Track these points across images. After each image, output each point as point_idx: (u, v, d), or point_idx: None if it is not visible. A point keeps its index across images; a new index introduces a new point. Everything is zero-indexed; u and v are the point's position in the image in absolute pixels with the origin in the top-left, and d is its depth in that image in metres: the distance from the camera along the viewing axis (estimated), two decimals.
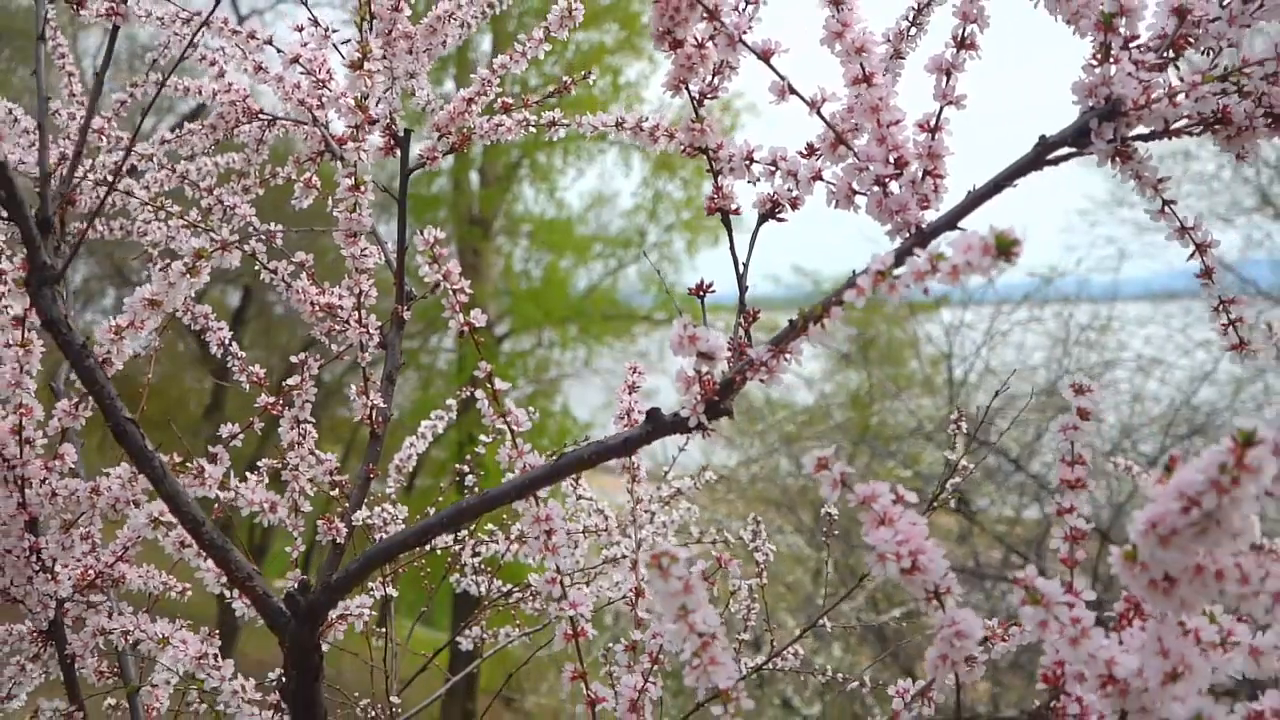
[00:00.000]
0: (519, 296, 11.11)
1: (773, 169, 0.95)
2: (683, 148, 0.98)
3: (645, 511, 1.82)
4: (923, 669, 0.90)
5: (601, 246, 11.45)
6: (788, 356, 0.85)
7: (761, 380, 0.89)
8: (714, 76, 0.96)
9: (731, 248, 0.99)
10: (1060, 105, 0.86)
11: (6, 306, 1.21)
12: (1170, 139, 0.84)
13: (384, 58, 1.38)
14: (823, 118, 0.90)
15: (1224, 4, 0.83)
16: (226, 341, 1.51)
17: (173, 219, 1.62)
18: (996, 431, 5.36)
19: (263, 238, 1.42)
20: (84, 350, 1.04)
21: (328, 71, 1.46)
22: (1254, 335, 0.93)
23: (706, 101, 0.98)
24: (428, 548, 1.92)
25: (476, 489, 2.12)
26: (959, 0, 0.89)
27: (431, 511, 1.71)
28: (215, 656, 1.17)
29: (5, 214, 1.02)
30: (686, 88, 0.93)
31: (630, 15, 10.50)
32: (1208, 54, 0.85)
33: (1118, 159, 0.84)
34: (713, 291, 1.02)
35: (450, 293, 1.03)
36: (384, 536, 1.58)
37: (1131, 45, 0.83)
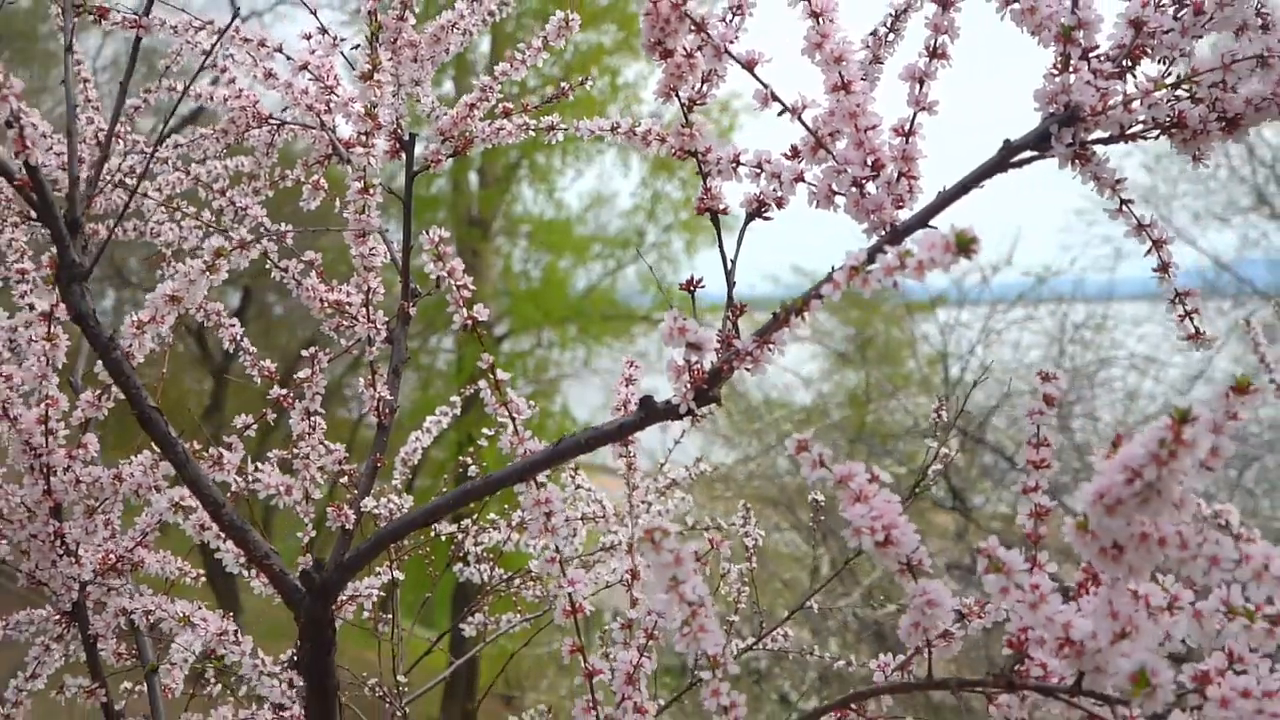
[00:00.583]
0: (518, 297, 11.14)
1: (758, 171, 1.01)
2: (673, 151, 1.04)
3: (642, 501, 1.88)
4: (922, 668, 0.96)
5: (600, 247, 11.49)
6: (771, 346, 0.92)
7: (748, 369, 0.95)
8: (703, 84, 1.02)
9: (720, 245, 1.04)
10: (1026, 113, 0.92)
11: (32, 304, 1.27)
12: (1126, 143, 0.90)
13: (391, 66, 1.44)
14: (804, 123, 0.95)
15: (1177, 16, 0.90)
16: (239, 337, 1.58)
17: (187, 219, 1.68)
18: (993, 430, 5.43)
19: (274, 237, 1.48)
20: (111, 342, 1.10)
21: (334, 77, 1.52)
22: (1211, 328, 0.99)
23: (697, 107, 1.04)
24: (433, 534, 1.99)
25: None
26: (931, 12, 0.95)
27: None
28: (235, 633, 1.24)
29: (36, 215, 1.09)
30: (677, 95, 0.99)
31: (628, 16, 10.53)
32: (1163, 63, 0.91)
33: (1077, 161, 0.90)
34: (703, 287, 1.09)
35: (454, 288, 1.09)
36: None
37: (1091, 56, 0.90)
